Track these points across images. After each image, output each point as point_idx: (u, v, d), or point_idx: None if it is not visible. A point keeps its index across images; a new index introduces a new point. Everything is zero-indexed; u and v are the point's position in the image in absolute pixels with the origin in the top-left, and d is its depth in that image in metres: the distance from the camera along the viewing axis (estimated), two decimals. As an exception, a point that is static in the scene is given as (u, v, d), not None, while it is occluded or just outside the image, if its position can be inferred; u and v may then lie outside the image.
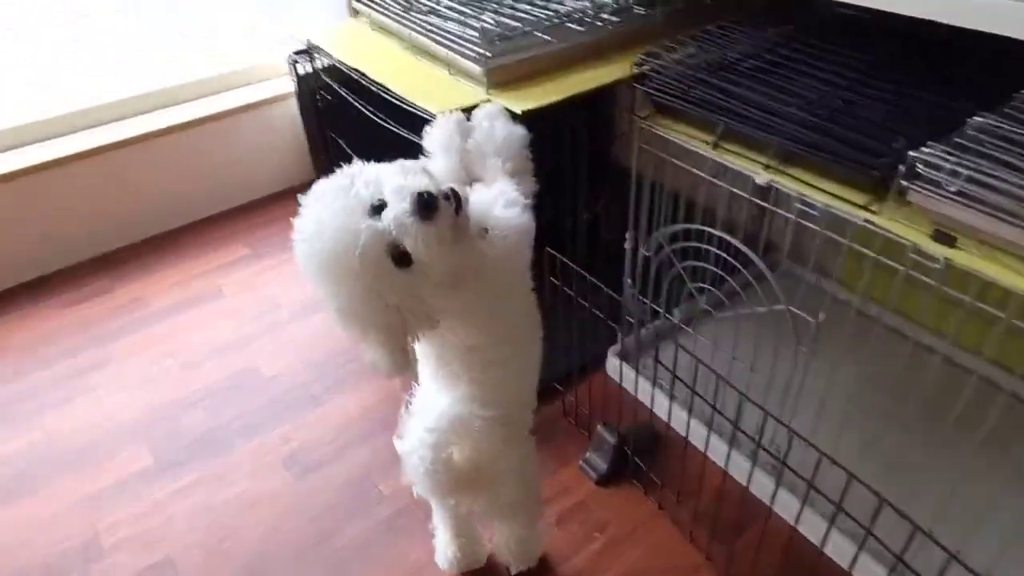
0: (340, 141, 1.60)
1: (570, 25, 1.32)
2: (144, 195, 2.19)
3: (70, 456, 1.56)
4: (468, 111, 1.16)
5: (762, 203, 1.17)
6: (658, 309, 1.45)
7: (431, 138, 1.06)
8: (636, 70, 1.25)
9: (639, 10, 1.39)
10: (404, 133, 1.23)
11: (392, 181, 0.77)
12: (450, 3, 1.39)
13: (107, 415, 1.66)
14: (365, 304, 0.77)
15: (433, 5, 1.37)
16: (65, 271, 2.12)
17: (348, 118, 1.47)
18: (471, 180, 1.07)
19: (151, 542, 1.37)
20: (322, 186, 0.80)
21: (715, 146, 1.17)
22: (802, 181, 1.06)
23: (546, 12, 1.35)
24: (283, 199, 2.39)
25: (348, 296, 0.77)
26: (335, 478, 1.48)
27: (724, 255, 1.23)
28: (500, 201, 0.95)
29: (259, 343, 1.84)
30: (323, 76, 1.53)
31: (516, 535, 1.20)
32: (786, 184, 1.08)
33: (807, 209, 1.08)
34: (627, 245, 1.47)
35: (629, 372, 1.59)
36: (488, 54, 1.20)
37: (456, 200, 0.80)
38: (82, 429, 1.63)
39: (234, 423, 1.62)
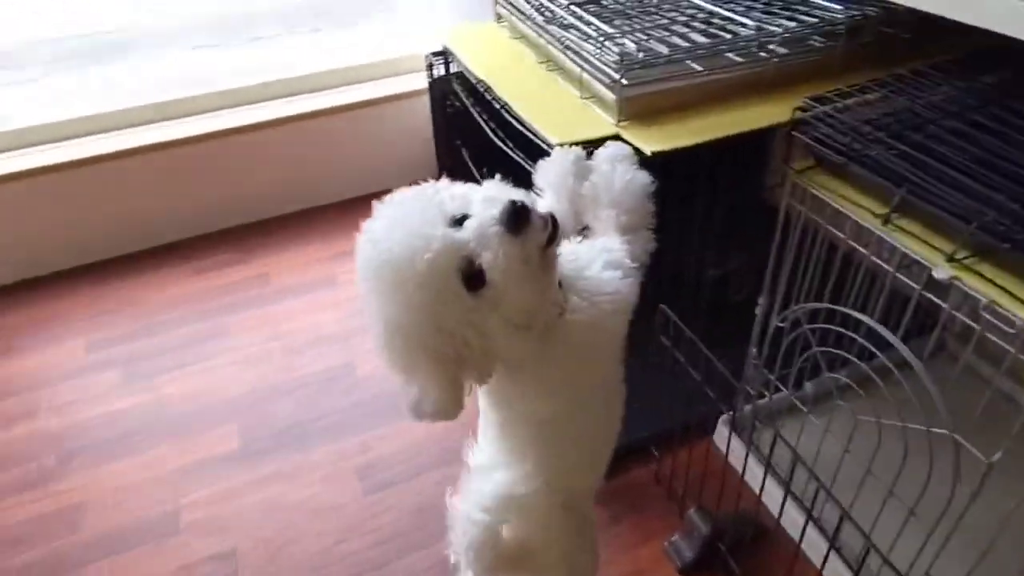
0: (464, 151, 1.52)
1: (729, 54, 1.14)
2: (279, 174, 2.25)
3: (172, 424, 1.63)
4: (594, 144, 1.04)
5: (936, 300, 0.94)
6: (781, 387, 1.25)
7: (543, 173, 0.94)
8: (798, 115, 1.05)
9: (817, 41, 1.18)
10: (519, 158, 1.12)
11: (483, 192, 0.68)
12: (595, 20, 1.25)
13: (212, 388, 1.72)
14: (419, 326, 0.66)
15: (575, 20, 1.24)
16: (199, 239, 2.24)
17: (473, 129, 1.39)
18: (580, 228, 0.94)
19: (222, 528, 1.39)
20: (404, 192, 0.71)
21: (885, 221, 0.96)
22: (998, 286, 0.83)
23: (704, 37, 1.17)
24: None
25: (402, 312, 0.65)
26: (405, 501, 1.42)
27: (872, 347, 1.01)
28: (600, 260, 0.81)
29: (360, 339, 1.83)
30: (454, 81, 1.45)
31: None
32: (975, 286, 0.85)
33: (999, 324, 0.84)
34: (758, 311, 1.28)
35: (739, 448, 1.39)
36: (624, 81, 1.06)
37: (553, 227, 0.68)
38: (188, 398, 1.70)
39: (320, 420, 1.61)
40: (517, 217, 0.64)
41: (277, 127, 2.16)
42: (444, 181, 0.73)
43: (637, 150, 1.02)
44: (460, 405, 0.73)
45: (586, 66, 1.14)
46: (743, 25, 1.17)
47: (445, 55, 1.48)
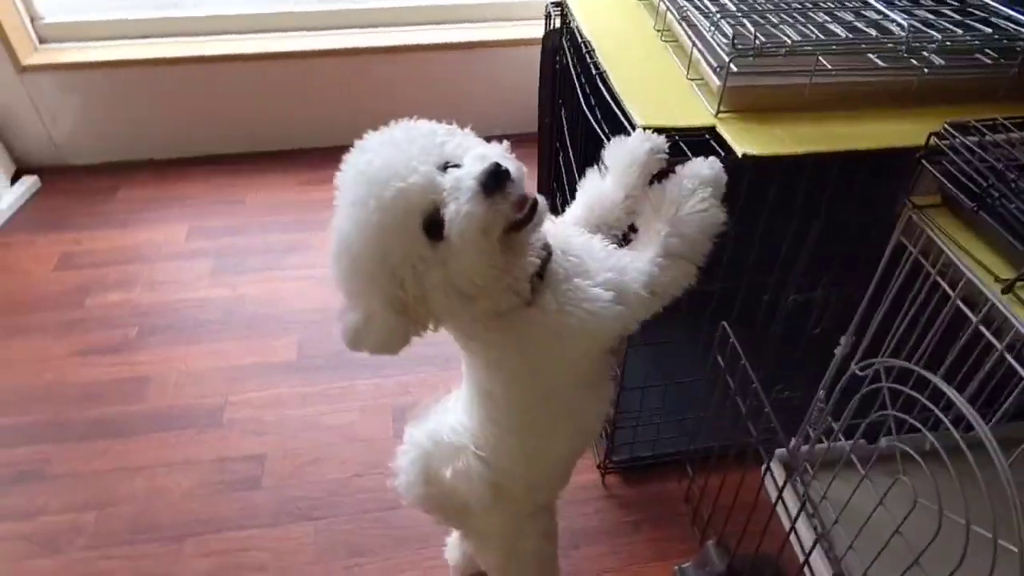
0: (563, 112, 1.44)
1: (871, 55, 0.97)
2: (393, 99, 2.26)
3: (242, 323, 1.72)
4: (683, 133, 0.93)
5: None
6: (841, 437, 1.11)
7: (613, 151, 0.86)
8: (933, 141, 0.88)
9: (987, 57, 0.98)
10: (602, 132, 1.03)
11: (482, 150, 0.65)
12: None
13: (284, 298, 1.79)
14: (366, 247, 0.64)
15: None
16: (311, 152, 2.31)
17: (573, 90, 1.29)
18: (626, 226, 0.85)
19: (259, 432, 1.46)
20: (415, 122, 0.69)
21: (1007, 289, 0.79)
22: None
23: (846, 30, 1.01)
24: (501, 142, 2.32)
25: (357, 228, 0.63)
26: (430, 451, 1.43)
27: (948, 424, 0.86)
28: (603, 276, 0.74)
29: (431, 282, 1.83)
30: (565, 37, 1.36)
31: None
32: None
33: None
34: (837, 351, 1.13)
35: (781, 484, 1.27)
36: (733, 68, 0.93)
37: (531, 211, 0.63)
38: (262, 302, 1.78)
39: (368, 356, 1.63)
40: (494, 180, 0.60)
41: (396, 54, 2.17)
42: (463, 129, 0.71)
43: (728, 148, 0.91)
44: (397, 344, 0.70)
45: (699, 43, 1.02)
46: (898, 23, 0.99)
47: (563, 7, 1.38)
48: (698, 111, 0.98)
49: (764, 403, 0.96)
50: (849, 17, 1.04)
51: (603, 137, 1.02)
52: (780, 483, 1.31)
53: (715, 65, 0.96)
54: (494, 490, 0.86)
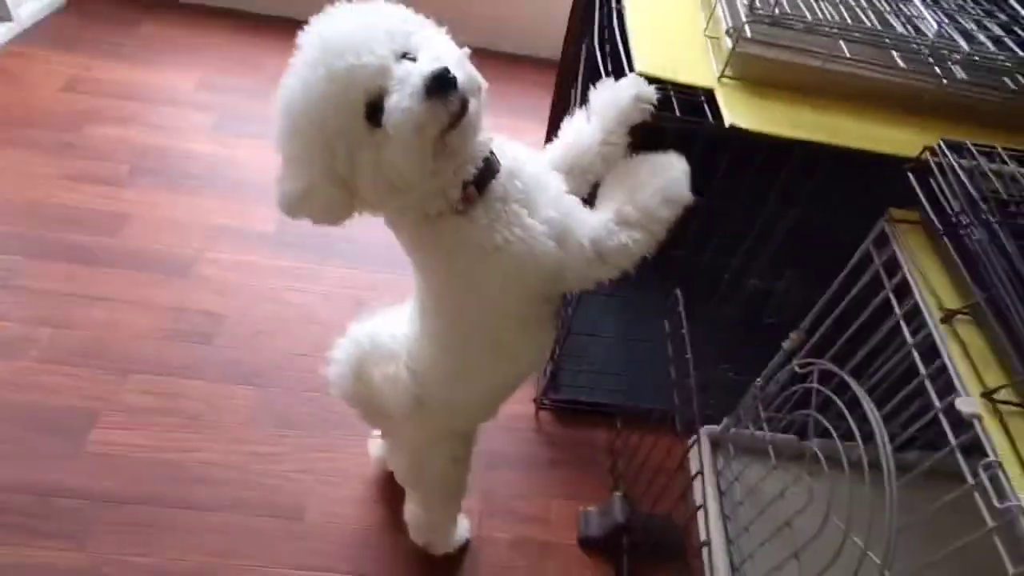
0: (584, 43, 1.38)
1: (893, 52, 0.93)
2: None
3: (229, 184, 1.72)
4: (680, 90, 0.90)
5: (947, 428, 0.78)
6: (764, 426, 1.12)
7: (600, 95, 0.84)
8: (925, 155, 0.85)
9: (1015, 81, 0.93)
10: (603, 68, 0.99)
11: (440, 51, 0.65)
12: None
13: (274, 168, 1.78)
14: (308, 110, 0.64)
15: None
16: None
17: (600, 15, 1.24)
18: (601, 173, 0.84)
19: (222, 292, 1.50)
20: (392, 3, 0.68)
21: (946, 318, 0.78)
22: (1019, 453, 0.67)
23: (874, 19, 0.95)
24: (522, 65, 2.25)
25: (302, 89, 0.64)
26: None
27: (857, 434, 0.87)
28: (544, 215, 0.73)
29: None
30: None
31: (412, 511, 1.11)
32: (994, 438, 0.69)
33: (991, 492, 0.68)
34: (786, 345, 1.13)
35: (706, 460, 1.31)
36: (747, 32, 0.89)
37: (462, 107, 0.62)
38: (252, 168, 1.77)
39: (348, 243, 1.65)
40: (439, 84, 0.60)
41: None
42: (430, 21, 0.69)
43: (718, 114, 0.88)
44: (340, 214, 0.71)
45: (721, 1, 0.97)
46: (929, 24, 0.94)
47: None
48: (703, 70, 0.94)
49: (689, 375, 0.97)
50: (882, 5, 0.99)
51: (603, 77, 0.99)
52: (704, 457, 1.34)
53: (729, 26, 0.92)
54: (415, 403, 0.89)
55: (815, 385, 0.99)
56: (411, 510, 1.11)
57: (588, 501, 1.29)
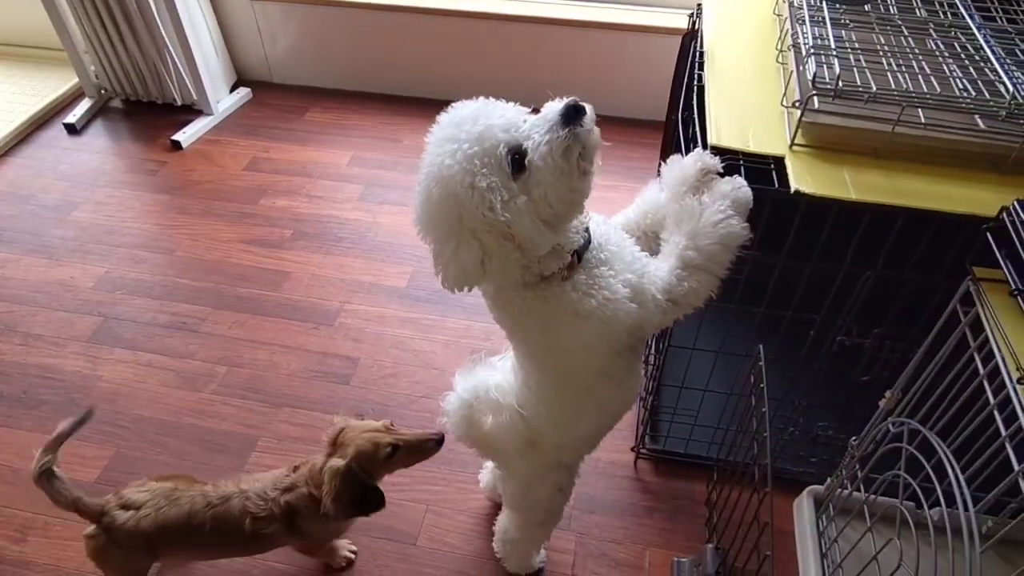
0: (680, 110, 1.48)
1: (976, 117, 0.94)
2: (544, 72, 2.39)
3: (370, 246, 1.98)
4: (751, 159, 0.98)
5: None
6: (863, 488, 1.11)
7: (670, 170, 0.93)
8: (1001, 215, 0.85)
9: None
10: (683, 138, 1.09)
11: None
12: (827, 23, 1.08)
13: (409, 233, 1.96)
14: (456, 176, 0.73)
15: (813, 14, 1.09)
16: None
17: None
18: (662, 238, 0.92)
19: (359, 339, 1.72)
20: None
21: (1021, 379, 0.77)
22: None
23: (952, 80, 0.97)
24: (640, 128, 2.36)
25: (453, 159, 0.73)
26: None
27: (942, 500, 0.86)
28: (624, 274, 0.84)
29: (540, 246, 1.97)
30: (696, 38, 1.39)
31: (505, 528, 1.21)
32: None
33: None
34: (882, 404, 1.12)
35: (809, 521, 1.29)
36: (815, 103, 0.95)
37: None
38: (391, 232, 2.02)
39: (467, 297, 1.81)
40: (574, 111, 0.72)
41: (544, 25, 2.30)
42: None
43: (785, 181, 0.94)
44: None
45: (796, 72, 1.03)
46: (1007, 86, 0.94)
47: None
48: (775, 140, 1.01)
49: (765, 429, 1.00)
50: (954, 66, 1.00)
51: (683, 147, 1.09)
52: (806, 516, 1.32)
53: (798, 98, 0.99)
54: (527, 443, 1.00)
55: (904, 445, 0.99)
56: (503, 525, 1.22)
57: (682, 551, 1.32)
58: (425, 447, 1.09)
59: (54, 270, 1.90)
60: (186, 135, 2.33)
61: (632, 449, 1.47)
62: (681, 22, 2.17)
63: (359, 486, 1.04)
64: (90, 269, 1.90)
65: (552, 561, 1.30)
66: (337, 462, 1.03)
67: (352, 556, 1.30)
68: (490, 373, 1.05)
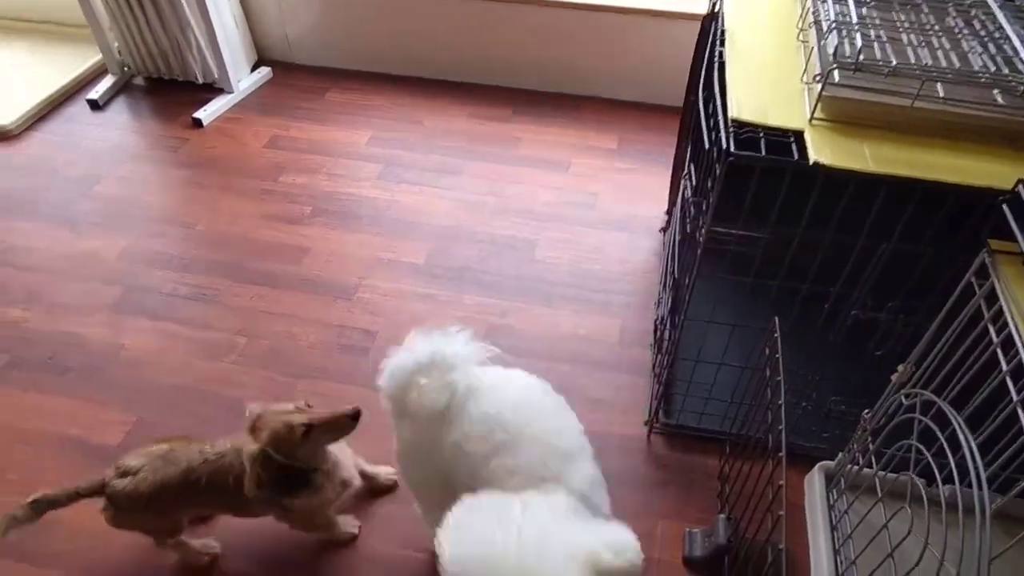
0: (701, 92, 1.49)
1: (995, 91, 0.95)
2: (566, 54, 2.40)
3: (388, 223, 2.00)
4: (771, 132, 0.99)
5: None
6: (874, 461, 1.13)
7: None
8: (1017, 188, 0.87)
9: None
10: (705, 123, 1.11)
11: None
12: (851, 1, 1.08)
13: (427, 211, 2.04)
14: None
15: None
16: (486, 88, 2.52)
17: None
18: None
19: (376, 314, 1.75)
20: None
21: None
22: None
23: (973, 57, 0.98)
24: (657, 113, 2.37)
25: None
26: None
27: (955, 473, 0.87)
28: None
29: (555, 227, 1.99)
30: (716, 19, 1.40)
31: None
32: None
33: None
34: (894, 378, 1.13)
35: (819, 493, 1.31)
36: (835, 77, 0.96)
37: None
38: (409, 210, 2.05)
39: (484, 274, 1.85)
40: None
41: (577, 10, 2.30)
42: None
43: (805, 154, 0.96)
44: None
45: (816, 47, 1.05)
46: (1023, 57, 0.95)
47: (723, -9, 1.42)
48: (795, 114, 1.02)
49: (780, 397, 1.02)
50: (975, 43, 1.01)
51: (705, 132, 1.10)
52: (817, 490, 1.34)
53: (817, 72, 1.00)
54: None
55: (917, 416, 1.00)
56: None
57: (694, 523, 1.34)
58: (340, 423, 1.09)
59: (78, 242, 1.93)
60: (207, 113, 2.36)
61: (645, 424, 1.49)
62: (699, 7, 2.19)
63: (279, 469, 1.06)
64: (113, 241, 1.94)
65: (565, 529, 1.33)
66: (252, 448, 1.06)
67: (355, 532, 1.32)
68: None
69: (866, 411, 1.19)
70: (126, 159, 2.23)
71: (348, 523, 1.33)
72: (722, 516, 1.29)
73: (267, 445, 1.05)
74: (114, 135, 2.34)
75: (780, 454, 0.95)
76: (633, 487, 1.42)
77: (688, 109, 1.67)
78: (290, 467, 1.08)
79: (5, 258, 1.88)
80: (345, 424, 1.10)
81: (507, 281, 1.83)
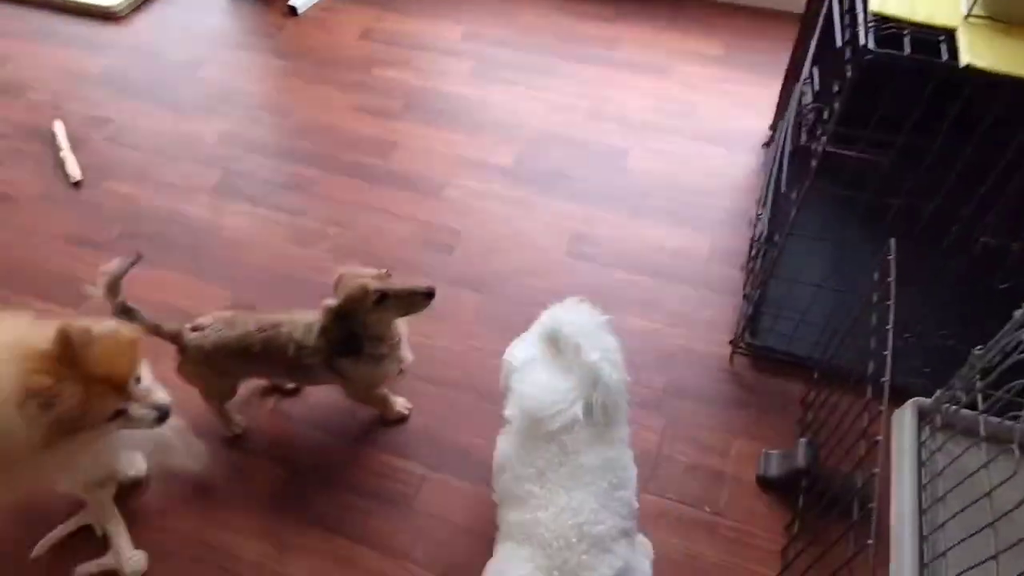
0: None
1: None
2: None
3: (478, 122, 1.97)
4: (919, 29, 0.88)
5: None
6: (978, 402, 1.06)
7: None
8: None
9: None
10: (838, 27, 1.00)
11: None
12: None
13: (519, 112, 1.99)
14: None
15: None
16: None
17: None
18: None
19: (463, 213, 1.74)
20: None
21: None
22: None
23: None
24: (769, 18, 2.18)
25: None
26: (589, 276, 1.60)
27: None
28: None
29: (649, 135, 1.90)
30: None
31: None
32: None
33: None
34: (1018, 313, 1.04)
35: (910, 430, 1.26)
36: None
37: None
38: (502, 110, 2.00)
39: (573, 181, 1.80)
40: None
41: None
42: None
43: (955, 53, 0.85)
44: None
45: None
46: None
47: None
48: (949, 9, 0.91)
49: (888, 322, 0.96)
50: None
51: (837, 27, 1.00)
52: (908, 427, 1.29)
53: (985, -42, 0.87)
54: None
55: (1039, 354, 0.93)
56: None
57: (771, 446, 1.32)
58: (413, 299, 1.11)
59: (181, 123, 2.00)
60: (302, 0, 2.34)
61: (730, 343, 1.45)
62: None
63: (344, 328, 1.10)
64: (213, 125, 1.99)
65: (640, 438, 1.33)
66: (330, 302, 1.09)
67: (406, 412, 1.37)
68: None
69: (977, 347, 1.11)
70: (226, 45, 2.26)
71: (401, 403, 1.37)
72: (803, 440, 1.26)
73: (341, 304, 1.09)
74: (214, 20, 2.36)
75: (884, 379, 0.90)
76: (711, 402, 1.40)
77: (812, 12, 1.52)
78: (357, 334, 1.12)
79: (116, 136, 1.97)
80: (419, 300, 1.12)
81: (595, 188, 1.78)
